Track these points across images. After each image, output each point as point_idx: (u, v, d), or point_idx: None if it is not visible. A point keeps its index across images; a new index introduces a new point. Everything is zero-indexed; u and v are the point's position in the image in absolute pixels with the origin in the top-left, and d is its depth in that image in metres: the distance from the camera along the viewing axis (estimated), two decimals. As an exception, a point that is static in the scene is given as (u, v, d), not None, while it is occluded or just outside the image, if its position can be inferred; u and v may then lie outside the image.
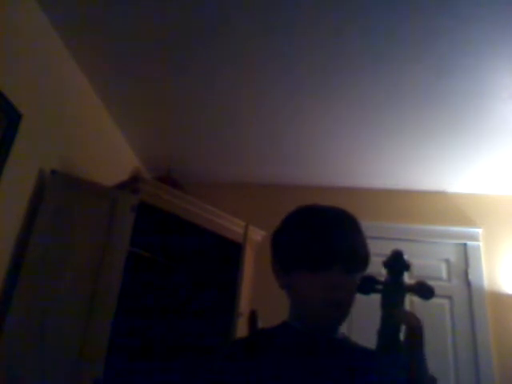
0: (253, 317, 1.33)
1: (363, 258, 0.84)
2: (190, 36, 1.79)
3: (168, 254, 2.37)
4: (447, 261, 2.68)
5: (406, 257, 0.74)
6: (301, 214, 0.90)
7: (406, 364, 0.68)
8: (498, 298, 2.51)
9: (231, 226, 2.31)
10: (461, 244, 2.69)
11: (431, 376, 0.72)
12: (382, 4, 1.55)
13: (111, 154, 2.48)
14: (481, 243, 2.66)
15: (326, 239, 0.81)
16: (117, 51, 1.92)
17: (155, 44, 1.86)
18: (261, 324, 1.19)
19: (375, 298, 0.76)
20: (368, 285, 0.76)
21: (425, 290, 0.71)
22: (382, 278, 0.76)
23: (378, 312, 0.74)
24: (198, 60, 1.92)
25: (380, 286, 0.75)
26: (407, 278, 0.74)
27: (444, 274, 2.65)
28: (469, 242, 2.68)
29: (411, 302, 2.22)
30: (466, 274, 2.61)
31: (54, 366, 1.58)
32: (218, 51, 1.85)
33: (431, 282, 0.74)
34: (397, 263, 0.73)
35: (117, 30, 1.79)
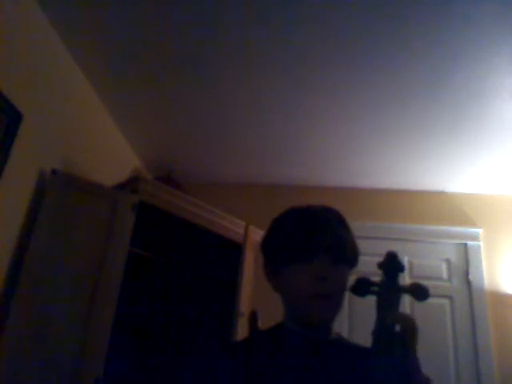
0: (253, 317, 1.33)
1: (348, 250, 0.86)
2: (189, 36, 1.78)
3: (168, 254, 2.38)
4: (447, 261, 2.68)
5: (402, 258, 0.74)
6: (284, 214, 0.93)
7: (400, 365, 0.69)
8: (498, 297, 2.51)
9: (231, 225, 2.31)
10: (461, 244, 2.69)
11: (426, 377, 0.72)
12: (383, 4, 1.55)
13: (111, 154, 2.48)
14: (481, 243, 2.66)
15: (309, 230, 0.84)
16: (117, 51, 1.91)
17: (155, 44, 1.86)
18: (261, 324, 1.19)
19: (374, 299, 0.76)
20: (363, 287, 0.76)
21: (419, 292, 0.72)
22: (379, 279, 0.76)
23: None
24: (197, 60, 1.92)
25: (375, 288, 0.75)
26: (407, 278, 0.74)
27: (444, 274, 2.65)
28: (469, 242, 2.68)
29: (411, 302, 2.23)
30: (467, 274, 2.61)
31: (55, 365, 1.58)
32: (217, 51, 1.85)
33: (431, 282, 0.74)
34: (391, 265, 0.74)
35: (116, 30, 1.79)
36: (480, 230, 2.68)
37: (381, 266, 0.74)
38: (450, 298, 2.57)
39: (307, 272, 0.81)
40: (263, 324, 1.01)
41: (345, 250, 0.85)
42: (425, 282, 0.73)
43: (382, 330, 0.71)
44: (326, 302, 0.81)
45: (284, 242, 0.86)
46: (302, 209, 0.91)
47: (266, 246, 0.93)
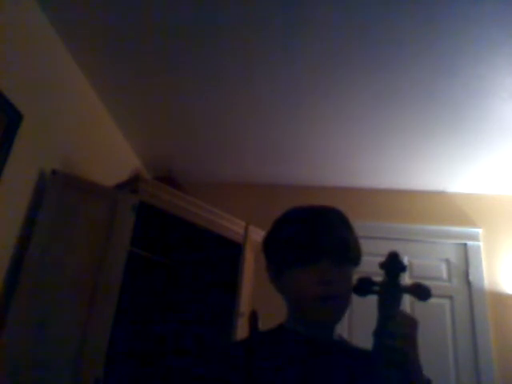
0: (253, 317, 1.33)
1: (352, 250, 0.85)
2: (189, 36, 1.79)
3: (168, 254, 2.38)
4: (447, 261, 2.68)
5: (404, 258, 0.74)
6: (287, 215, 0.91)
7: (401, 365, 0.69)
8: (498, 298, 2.51)
9: (231, 225, 2.31)
10: (461, 244, 2.69)
11: (427, 378, 0.72)
12: (382, 2, 1.55)
13: (111, 153, 2.48)
14: (481, 243, 2.66)
15: (312, 233, 0.83)
16: (116, 51, 1.92)
17: (155, 44, 1.86)
18: (261, 324, 1.18)
19: (375, 299, 0.76)
20: (364, 286, 0.76)
21: (421, 292, 0.72)
22: (380, 279, 0.76)
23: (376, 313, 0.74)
24: (197, 60, 1.92)
25: (377, 288, 0.75)
26: (407, 278, 0.74)
27: (444, 274, 2.65)
28: (469, 242, 2.68)
29: (411, 302, 2.23)
30: (467, 274, 2.61)
31: (55, 365, 1.58)
32: (217, 51, 1.85)
33: (431, 282, 0.74)
34: (393, 265, 0.73)
35: (116, 30, 1.79)
36: (480, 230, 2.68)
37: (382, 265, 0.74)
38: (450, 298, 2.57)
39: (312, 275, 0.80)
40: (263, 324, 1.01)
41: (348, 251, 0.84)
42: (425, 282, 0.73)
43: (382, 330, 0.71)
44: (332, 303, 0.81)
45: (287, 245, 0.84)
46: (304, 210, 0.89)
47: (268, 247, 0.91)
